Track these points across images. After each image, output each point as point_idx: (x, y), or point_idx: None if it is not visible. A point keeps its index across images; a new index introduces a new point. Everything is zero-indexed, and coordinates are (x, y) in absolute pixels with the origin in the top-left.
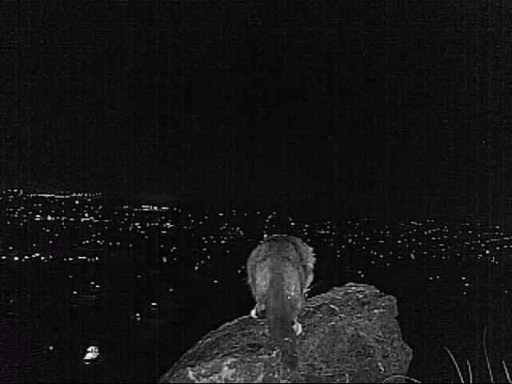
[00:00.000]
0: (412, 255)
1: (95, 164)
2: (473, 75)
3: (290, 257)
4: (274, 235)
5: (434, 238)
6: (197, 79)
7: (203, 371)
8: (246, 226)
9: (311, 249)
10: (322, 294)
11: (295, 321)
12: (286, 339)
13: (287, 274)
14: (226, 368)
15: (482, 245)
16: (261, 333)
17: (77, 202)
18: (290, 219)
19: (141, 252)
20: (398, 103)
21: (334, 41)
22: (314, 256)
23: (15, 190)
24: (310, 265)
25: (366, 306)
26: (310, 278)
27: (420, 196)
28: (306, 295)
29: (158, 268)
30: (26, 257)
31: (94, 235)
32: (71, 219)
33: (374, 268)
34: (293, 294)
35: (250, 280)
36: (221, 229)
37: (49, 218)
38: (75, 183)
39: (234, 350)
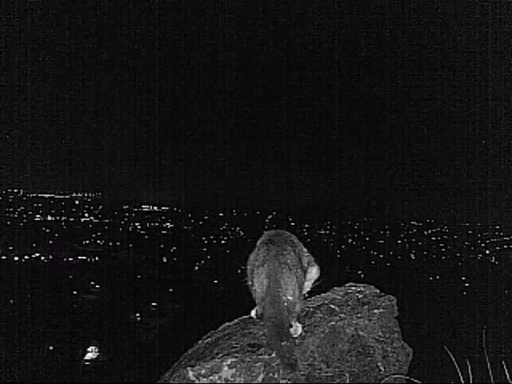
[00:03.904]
0: (412, 255)
1: (95, 164)
2: (473, 75)
3: (288, 261)
4: (272, 232)
5: (433, 238)
6: (197, 78)
7: (203, 371)
8: (246, 226)
9: (305, 249)
10: (322, 294)
11: (293, 322)
12: (283, 343)
13: (284, 280)
14: (225, 368)
15: (482, 245)
16: (261, 333)
17: (77, 202)
18: (290, 219)
19: (141, 252)
20: (398, 103)
21: (336, 40)
22: (307, 256)
23: (15, 190)
24: (305, 264)
25: (366, 306)
26: (314, 272)
27: (420, 196)
28: (306, 295)
29: (157, 268)
30: (26, 257)
31: (93, 235)
32: (71, 219)
33: (374, 268)
34: (290, 298)
35: (249, 282)
36: (221, 229)
37: (49, 218)
38: (75, 183)
39: (233, 350)
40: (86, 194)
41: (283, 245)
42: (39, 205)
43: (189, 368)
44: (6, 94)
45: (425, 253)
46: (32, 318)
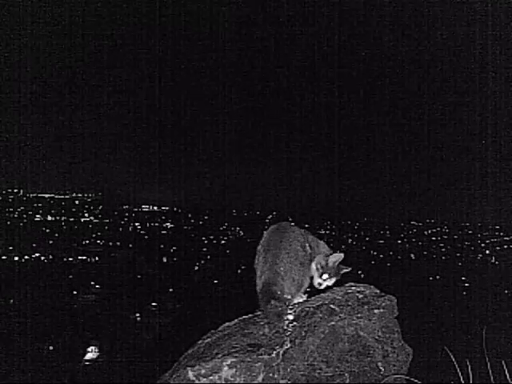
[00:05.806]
0: (412, 255)
1: (95, 164)
2: (473, 75)
3: (286, 235)
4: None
5: (434, 238)
6: (197, 78)
7: (203, 371)
8: (246, 226)
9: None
10: (322, 294)
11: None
12: (272, 302)
13: (282, 254)
14: (226, 368)
15: (482, 245)
16: (261, 333)
17: (77, 202)
18: (290, 219)
19: (141, 252)
20: (399, 103)
21: (336, 40)
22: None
23: (15, 190)
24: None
25: (366, 306)
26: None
27: (420, 196)
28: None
29: (157, 268)
30: (26, 257)
31: (94, 235)
32: (71, 219)
33: (374, 268)
34: (282, 269)
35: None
36: (221, 229)
37: (49, 218)
38: (75, 183)
39: (234, 350)
40: (85, 194)
41: (287, 228)
42: (39, 205)
43: (189, 368)
44: (6, 94)
45: (425, 253)
46: (32, 317)
